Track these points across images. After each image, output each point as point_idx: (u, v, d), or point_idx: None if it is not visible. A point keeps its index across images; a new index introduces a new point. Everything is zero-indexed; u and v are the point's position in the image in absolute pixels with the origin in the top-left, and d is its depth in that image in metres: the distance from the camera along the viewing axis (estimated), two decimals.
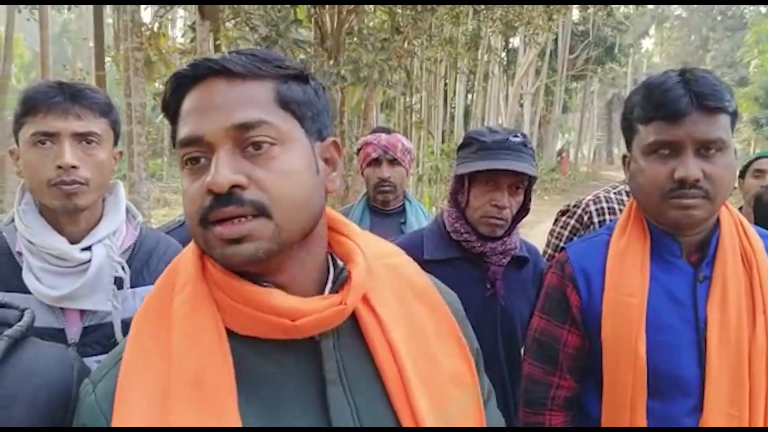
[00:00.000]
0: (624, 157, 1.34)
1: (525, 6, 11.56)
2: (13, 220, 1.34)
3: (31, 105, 1.27)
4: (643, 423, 1.21)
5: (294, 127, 0.74)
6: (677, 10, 45.47)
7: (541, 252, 2.10)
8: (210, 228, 0.69)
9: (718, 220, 1.27)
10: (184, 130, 0.72)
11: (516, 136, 1.62)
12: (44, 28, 11.21)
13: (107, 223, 1.38)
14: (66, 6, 12.04)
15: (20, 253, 1.31)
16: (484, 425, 0.85)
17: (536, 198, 18.64)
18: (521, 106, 26.16)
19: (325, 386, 0.74)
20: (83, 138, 1.29)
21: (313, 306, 0.72)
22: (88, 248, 1.33)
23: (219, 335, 0.71)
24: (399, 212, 2.50)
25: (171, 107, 0.75)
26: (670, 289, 1.25)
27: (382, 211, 2.48)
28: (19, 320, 0.83)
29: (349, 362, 0.77)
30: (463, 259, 1.71)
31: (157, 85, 11.51)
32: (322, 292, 0.78)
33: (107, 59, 11.47)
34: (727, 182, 1.18)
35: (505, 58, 23.56)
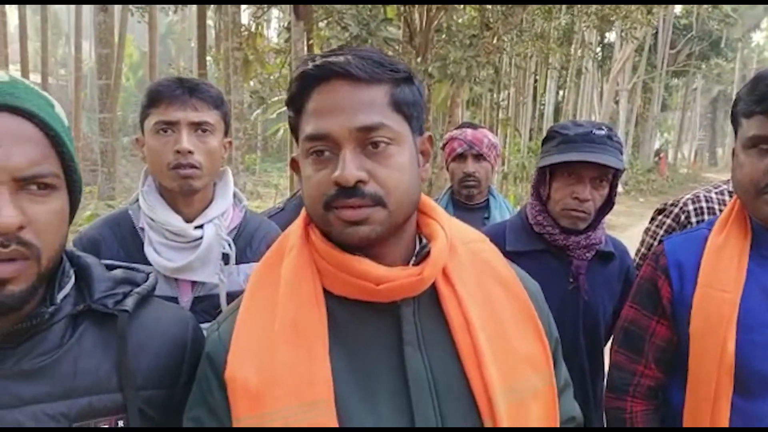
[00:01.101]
0: (733, 151, 1.33)
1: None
2: (137, 200, 1.52)
3: (156, 97, 1.44)
4: (725, 418, 1.20)
5: (404, 128, 0.85)
6: None
7: (635, 251, 2.07)
8: (332, 211, 0.81)
9: None
10: (311, 126, 0.82)
11: (600, 128, 1.61)
12: (153, 29, 12.04)
13: (217, 205, 1.53)
14: (172, 8, 12.84)
15: (143, 229, 1.49)
16: (556, 409, 0.92)
17: (630, 199, 17.88)
18: (616, 103, 25.10)
19: (403, 346, 0.85)
20: (198, 127, 1.45)
21: (394, 274, 0.83)
22: (201, 227, 1.48)
23: (316, 291, 0.85)
24: (483, 207, 2.52)
25: (296, 103, 0.85)
26: (766, 286, 1.23)
27: (466, 206, 2.51)
28: (145, 281, 0.96)
29: (426, 328, 0.87)
30: (546, 252, 1.72)
31: (252, 83, 12.06)
32: (407, 265, 0.88)
33: (208, 58, 12.14)
34: None
35: (600, 54, 22.69)
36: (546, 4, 9.07)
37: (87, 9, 18.15)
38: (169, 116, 1.42)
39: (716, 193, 2.05)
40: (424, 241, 0.92)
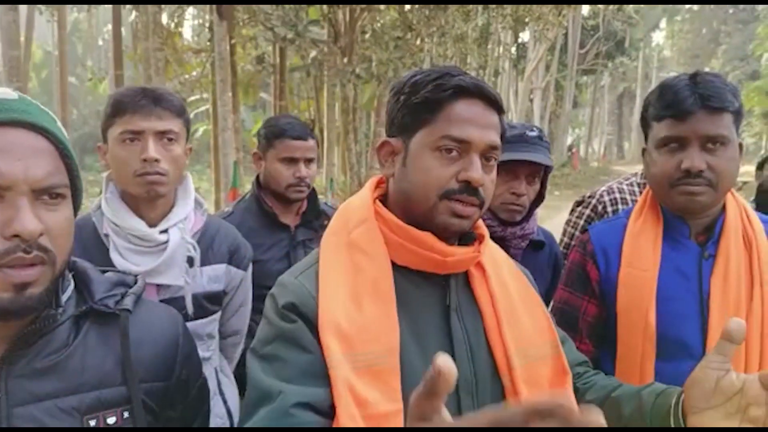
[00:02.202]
0: (643, 150, 1.52)
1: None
2: (99, 207, 1.54)
3: (121, 107, 1.47)
4: (650, 379, 1.36)
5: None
6: (688, 3, 45.14)
7: (558, 240, 2.27)
8: (447, 201, 0.97)
9: (724, 206, 1.43)
10: (456, 130, 0.96)
11: (533, 130, 1.79)
12: (62, 28, 11.45)
13: (180, 210, 1.58)
14: (83, 6, 12.26)
15: (107, 235, 1.51)
16: (565, 368, 1.08)
17: (547, 193, 18.66)
18: (531, 101, 26.17)
19: (449, 312, 1.01)
20: (164, 135, 1.49)
21: (457, 250, 1.01)
22: (165, 231, 1.53)
23: (386, 260, 0.99)
24: None
25: (437, 103, 0.98)
26: (678, 265, 1.42)
27: None
28: (135, 283, 1.02)
29: (462, 299, 1.04)
30: None
31: (173, 84, 11.71)
32: (453, 245, 1.04)
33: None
34: (729, 173, 1.35)
35: (515, 54, 23.58)
36: (466, 4, 9.37)
37: None
38: (135, 126, 1.46)
39: (627, 184, 2.31)
40: None
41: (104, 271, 1.01)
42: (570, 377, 1.09)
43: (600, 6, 22.61)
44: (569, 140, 38.89)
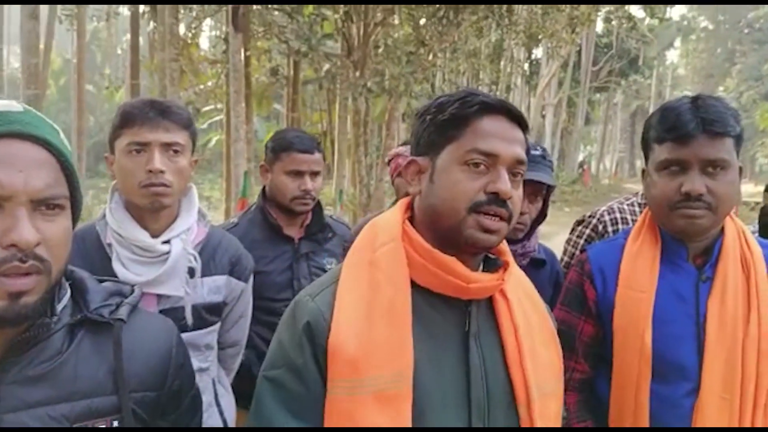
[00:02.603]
0: (643, 171, 1.52)
1: (548, 18, 11.67)
2: (104, 216, 1.56)
3: (129, 118, 1.50)
4: (646, 403, 1.38)
5: None
6: (703, 22, 45.04)
7: (558, 258, 2.26)
8: (475, 215, 0.97)
9: (722, 229, 1.43)
10: (484, 144, 0.98)
11: (536, 149, 1.80)
12: (81, 37, 11.64)
13: (183, 221, 1.60)
14: (102, 15, 12.46)
15: (110, 245, 1.53)
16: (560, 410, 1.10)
17: (556, 209, 18.62)
18: (543, 117, 26.17)
19: (468, 338, 1.01)
20: (169, 147, 1.51)
21: (480, 276, 1.02)
22: (168, 241, 1.55)
23: (406, 280, 0.99)
24: None
25: (464, 120, 1.00)
26: (675, 287, 1.42)
27: None
28: (131, 293, 1.04)
29: (483, 327, 1.04)
30: None
31: (187, 94, 11.84)
32: (477, 269, 1.06)
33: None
34: (729, 197, 1.35)
35: (528, 70, 23.62)
36: (475, 3, 9.35)
37: (6, 17, 17.29)
38: (142, 137, 1.49)
39: (627, 204, 2.31)
40: (491, 254, 1.11)
41: (102, 281, 1.03)
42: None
43: (614, 24, 22.63)
44: (581, 157, 38.77)
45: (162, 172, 1.48)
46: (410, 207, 1.10)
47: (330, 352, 0.93)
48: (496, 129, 0.99)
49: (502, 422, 1.00)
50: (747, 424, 1.33)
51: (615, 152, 43.49)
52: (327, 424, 0.91)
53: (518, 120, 1.03)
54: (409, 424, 0.91)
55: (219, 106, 14.64)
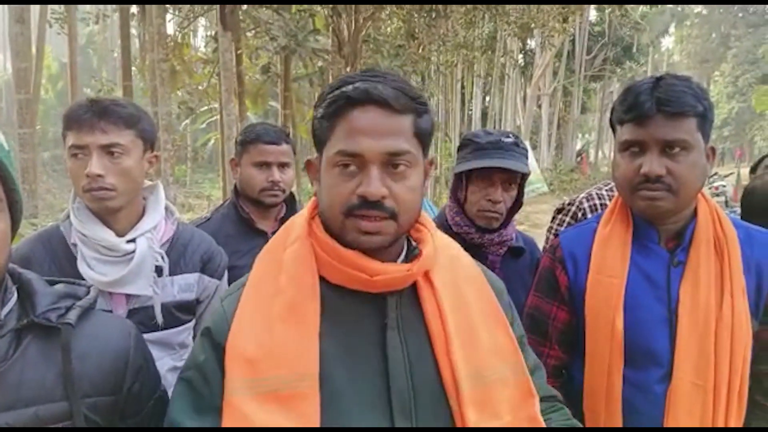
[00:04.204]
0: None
1: (539, 8, 11.63)
2: (68, 217, 1.54)
3: (68, 122, 1.47)
4: (619, 388, 1.37)
5: (420, 153, 0.98)
6: (697, 7, 44.86)
7: (540, 247, 2.25)
8: (352, 219, 0.93)
9: (695, 211, 1.41)
10: (345, 144, 0.92)
11: (508, 137, 1.78)
12: (73, 40, 11.56)
13: (149, 219, 1.58)
14: (93, 17, 12.41)
15: (75, 245, 1.51)
16: (533, 395, 1.03)
17: (555, 198, 18.60)
18: (539, 107, 26.13)
19: (386, 330, 0.98)
20: (108, 149, 1.47)
21: (387, 268, 0.96)
22: (133, 240, 1.53)
23: (313, 280, 0.97)
24: None
25: (331, 118, 0.95)
26: (647, 271, 1.40)
27: None
28: (87, 294, 1.01)
29: (405, 317, 1.00)
30: (464, 250, 1.86)
31: (180, 94, 11.82)
32: (395, 261, 1.02)
33: (132, 69, 11.79)
34: (690, 178, 1.32)
35: (522, 60, 23.56)
36: (461, 3, 9.29)
37: (1, 21, 17.25)
38: (80, 140, 1.45)
39: (606, 190, 2.29)
40: (413, 243, 1.07)
41: (54, 283, 1.01)
42: (537, 400, 1.03)
43: (606, 11, 22.55)
44: (579, 145, 38.68)
45: (100, 176, 1.45)
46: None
47: (227, 353, 0.93)
48: (363, 124, 0.92)
49: (431, 416, 0.95)
50: (721, 411, 1.31)
51: (613, 140, 43.23)
52: (224, 424, 0.89)
53: (394, 105, 0.92)
54: (317, 424, 0.88)
55: (216, 105, 14.62)
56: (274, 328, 0.93)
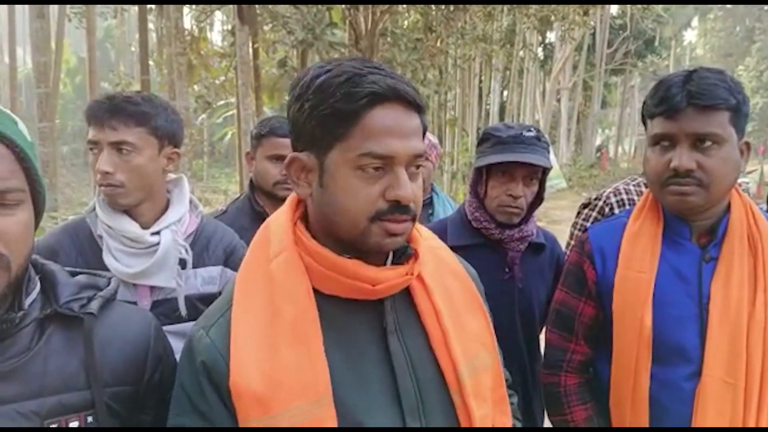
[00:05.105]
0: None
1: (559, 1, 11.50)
2: (94, 209, 1.56)
3: (87, 116, 1.49)
4: (646, 385, 1.35)
5: None
6: None
7: (564, 244, 2.22)
8: (379, 223, 0.88)
9: (729, 207, 1.39)
10: (377, 145, 0.85)
11: (530, 130, 1.75)
12: (91, 34, 11.69)
13: (173, 212, 1.59)
14: (111, 12, 12.53)
15: (101, 237, 1.53)
16: (503, 380, 1.06)
17: (574, 194, 18.46)
18: (558, 101, 25.89)
19: (386, 335, 0.94)
20: (118, 146, 1.48)
21: (387, 275, 0.92)
22: (158, 233, 1.54)
23: (308, 294, 0.90)
24: (427, 204, 2.65)
25: (349, 115, 0.86)
26: (677, 267, 1.38)
27: None
28: (108, 286, 1.02)
29: (401, 318, 0.97)
30: (484, 246, 1.84)
31: (197, 88, 11.88)
32: (384, 262, 0.97)
33: (150, 63, 11.88)
34: (722, 173, 1.29)
35: (541, 54, 23.34)
36: (490, 3, 9.26)
37: (20, 15, 17.48)
38: (93, 136, 1.48)
39: (634, 185, 2.25)
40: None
41: (75, 274, 1.01)
42: (504, 380, 1.06)
43: (628, 5, 22.23)
44: (598, 141, 38.29)
45: (108, 173, 1.46)
46: (299, 204, 1.00)
47: (234, 394, 0.84)
48: (390, 123, 0.86)
49: (439, 413, 0.94)
50: (753, 410, 1.29)
51: (633, 135, 42.82)
52: None
53: (413, 104, 0.89)
54: None
55: (233, 100, 14.70)
56: (279, 356, 0.86)
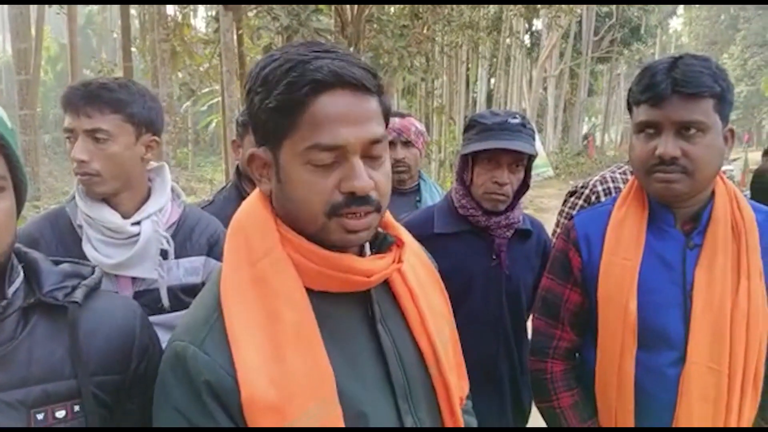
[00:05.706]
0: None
1: None
2: (74, 198, 1.52)
3: (62, 105, 1.46)
4: (631, 371, 1.36)
5: (386, 135, 0.89)
6: None
7: (550, 232, 2.22)
8: (336, 218, 0.84)
9: (713, 194, 1.39)
10: (324, 136, 0.81)
11: (515, 117, 1.75)
12: (72, 20, 11.48)
13: (154, 202, 1.56)
14: None
15: (80, 226, 1.50)
16: (459, 349, 1.12)
17: (561, 182, 18.56)
18: (545, 89, 25.93)
19: (375, 323, 0.94)
20: (93, 134, 1.44)
21: (378, 265, 0.91)
22: (138, 223, 1.51)
23: (302, 293, 0.86)
24: (414, 191, 2.63)
25: (292, 105, 0.81)
26: (661, 254, 1.38)
27: (398, 190, 2.59)
28: (92, 274, 1.01)
29: (383, 304, 0.97)
30: (470, 233, 1.85)
31: (181, 75, 11.72)
32: (363, 251, 0.96)
33: (133, 50, 11.70)
34: (707, 160, 1.30)
35: (528, 41, 23.32)
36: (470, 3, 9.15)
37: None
38: (69, 124, 1.45)
39: (620, 173, 2.25)
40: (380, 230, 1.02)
41: (59, 263, 0.99)
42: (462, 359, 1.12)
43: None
44: (585, 128, 38.46)
45: (84, 161, 1.43)
46: (267, 201, 0.94)
47: (247, 409, 0.80)
48: (338, 111, 0.81)
49: (422, 392, 0.97)
50: (736, 396, 1.30)
51: (620, 123, 43.05)
52: None
53: (367, 86, 0.83)
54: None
55: (218, 87, 14.53)
56: (286, 361, 0.82)
